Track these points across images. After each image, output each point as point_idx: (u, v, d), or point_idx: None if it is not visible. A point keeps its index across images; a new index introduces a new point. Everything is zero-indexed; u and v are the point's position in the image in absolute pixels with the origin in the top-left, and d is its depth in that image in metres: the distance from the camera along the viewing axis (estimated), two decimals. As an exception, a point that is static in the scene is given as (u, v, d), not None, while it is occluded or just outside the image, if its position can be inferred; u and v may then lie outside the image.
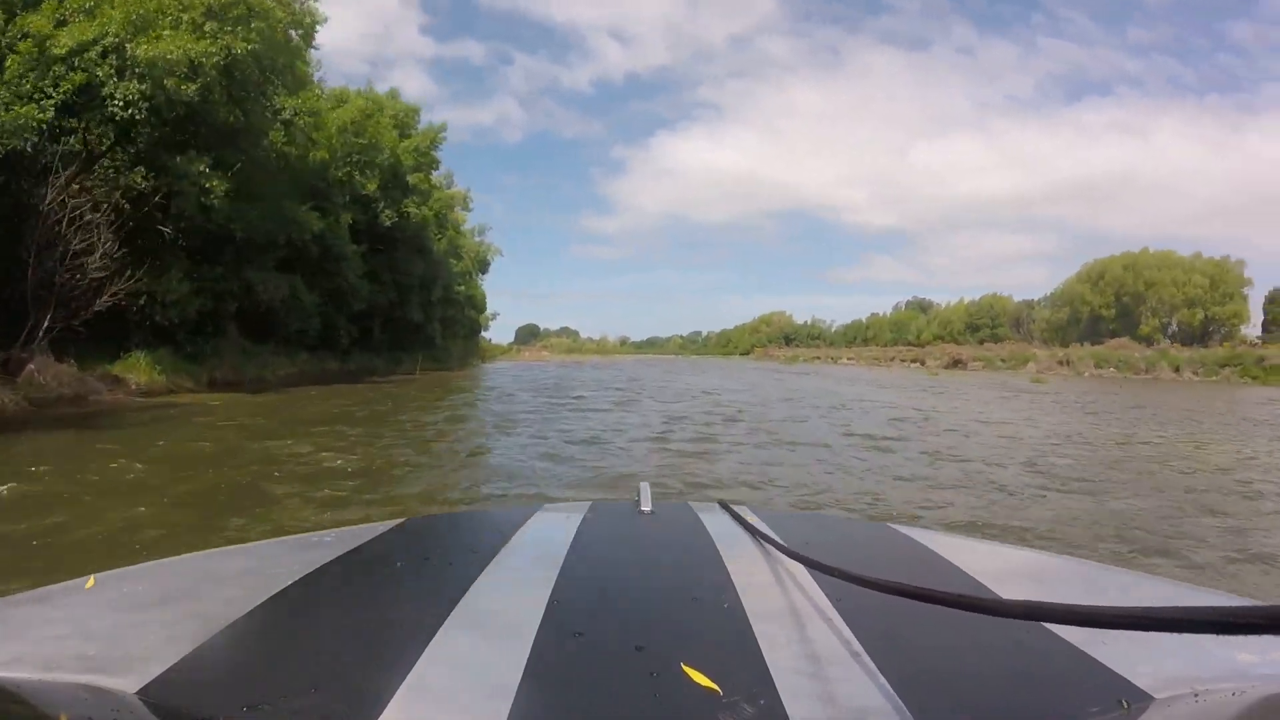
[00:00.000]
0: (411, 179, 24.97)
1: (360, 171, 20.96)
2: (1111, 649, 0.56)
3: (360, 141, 20.81)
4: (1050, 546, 3.40)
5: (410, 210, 24.46)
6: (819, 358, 69.30)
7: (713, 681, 0.51)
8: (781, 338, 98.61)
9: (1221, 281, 49.99)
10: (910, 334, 77.24)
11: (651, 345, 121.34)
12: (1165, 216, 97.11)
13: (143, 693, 0.51)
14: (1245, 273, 50.71)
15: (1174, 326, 50.72)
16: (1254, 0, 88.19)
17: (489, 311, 52.46)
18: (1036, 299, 69.05)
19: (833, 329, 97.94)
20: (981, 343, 64.97)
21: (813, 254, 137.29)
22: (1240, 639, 0.37)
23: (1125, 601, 0.41)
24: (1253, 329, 48.56)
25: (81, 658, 0.56)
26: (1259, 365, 31.88)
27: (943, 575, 0.79)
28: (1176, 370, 34.81)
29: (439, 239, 29.87)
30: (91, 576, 0.75)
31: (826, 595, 0.68)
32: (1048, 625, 0.57)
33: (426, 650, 0.56)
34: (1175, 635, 0.35)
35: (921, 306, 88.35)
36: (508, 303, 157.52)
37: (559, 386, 18.21)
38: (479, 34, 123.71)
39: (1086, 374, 37.79)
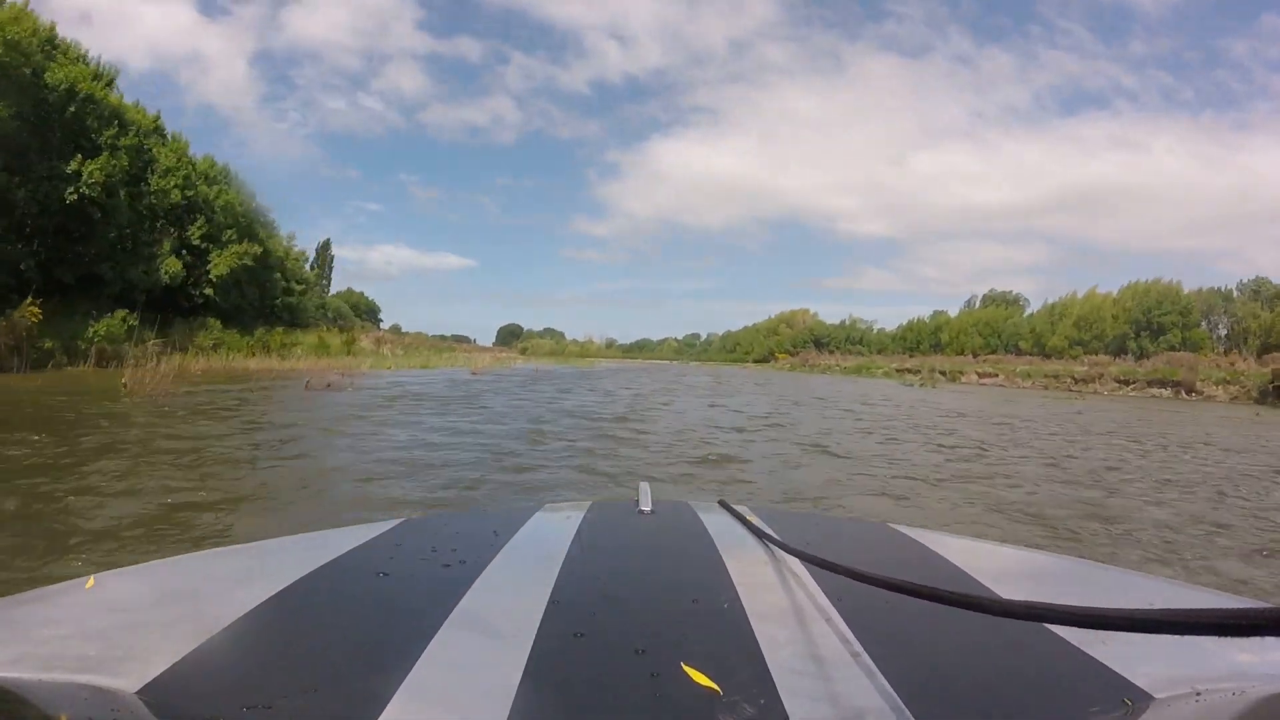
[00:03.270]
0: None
1: None
2: (1112, 649, 0.55)
3: None
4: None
5: None
6: (910, 371, 46.18)
7: (713, 681, 0.50)
8: (810, 342, 74.44)
9: None
10: (1020, 338, 54.12)
11: (641, 349, 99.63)
12: (1158, 229, 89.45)
13: (143, 693, 0.50)
14: None
15: None
16: (1252, 18, 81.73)
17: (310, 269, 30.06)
18: (1228, 286, 47.10)
19: (874, 331, 74.48)
20: (1172, 349, 41.68)
21: (803, 261, 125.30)
22: (1241, 639, 0.38)
23: (1125, 602, 0.40)
24: None
25: (81, 658, 0.55)
26: None
27: (943, 575, 0.77)
28: None
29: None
30: (91, 576, 0.74)
31: (827, 594, 0.68)
32: (1048, 625, 0.56)
33: (426, 651, 0.55)
34: (1176, 635, 0.35)
35: (1007, 301, 65.10)
36: (494, 304, 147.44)
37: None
38: (477, 32, 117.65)
39: None
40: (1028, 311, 59.22)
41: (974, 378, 40.43)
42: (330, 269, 59.58)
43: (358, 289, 69.68)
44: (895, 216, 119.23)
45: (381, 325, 60.08)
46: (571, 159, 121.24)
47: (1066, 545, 3.82)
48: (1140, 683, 0.51)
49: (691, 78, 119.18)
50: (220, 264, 22.73)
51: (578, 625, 0.61)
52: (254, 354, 21.17)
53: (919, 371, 44.75)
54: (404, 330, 61.05)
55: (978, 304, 67.05)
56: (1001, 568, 0.83)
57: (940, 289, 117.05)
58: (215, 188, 23.52)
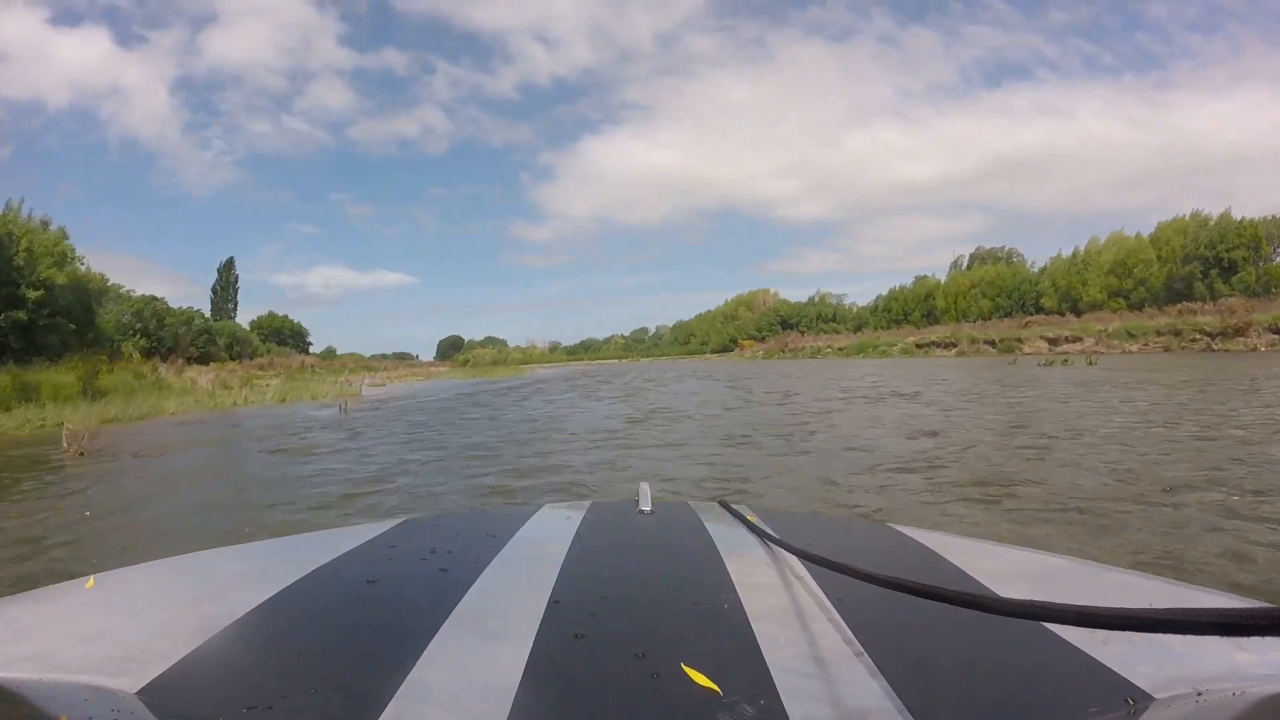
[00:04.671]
0: None
1: None
2: (1112, 649, 0.55)
3: None
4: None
5: None
6: (939, 345, 36.27)
7: (713, 682, 0.50)
8: (776, 324, 64.21)
9: None
10: (1042, 295, 45.15)
11: (587, 350, 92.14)
12: (1088, 190, 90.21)
13: (143, 693, 0.50)
14: None
15: None
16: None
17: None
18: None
19: (847, 305, 65.01)
20: (1249, 289, 33.11)
21: (745, 249, 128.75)
22: (1242, 639, 0.37)
23: (1126, 602, 0.42)
24: None
25: (81, 658, 0.55)
26: None
27: (943, 575, 0.77)
28: None
29: None
30: (91, 576, 0.73)
31: (826, 594, 0.67)
32: (1049, 625, 0.56)
33: (426, 651, 0.55)
34: (1177, 635, 0.35)
35: (997, 258, 56.62)
36: (439, 318, 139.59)
37: None
38: (400, 43, 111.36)
39: None
40: (1032, 267, 50.35)
41: (1042, 346, 30.67)
42: (235, 291, 50.81)
43: (297, 314, 63.37)
44: (833, 197, 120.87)
45: (311, 349, 54.99)
46: (506, 165, 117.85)
47: None
48: (1140, 683, 0.51)
49: (621, 75, 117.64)
50: None
51: (578, 626, 0.61)
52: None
53: (954, 344, 34.73)
54: (339, 352, 57.61)
55: (965, 264, 58.25)
56: (1002, 568, 0.82)
57: (879, 265, 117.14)
58: None
